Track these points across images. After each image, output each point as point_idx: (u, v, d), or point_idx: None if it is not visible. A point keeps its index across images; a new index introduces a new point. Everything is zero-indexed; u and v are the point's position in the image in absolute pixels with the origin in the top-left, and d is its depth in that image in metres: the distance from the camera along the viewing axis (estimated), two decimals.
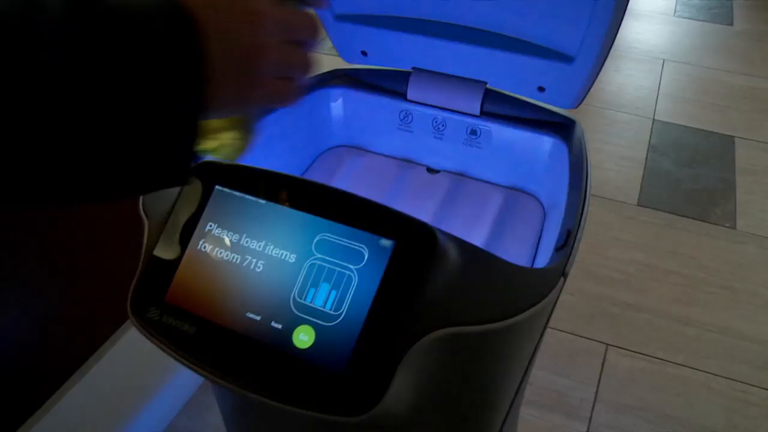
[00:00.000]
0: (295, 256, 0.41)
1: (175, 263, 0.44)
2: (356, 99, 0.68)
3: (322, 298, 0.40)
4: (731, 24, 2.62)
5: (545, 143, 0.61)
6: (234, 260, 0.43)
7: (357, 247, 0.40)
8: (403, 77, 0.65)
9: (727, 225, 1.57)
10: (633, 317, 1.32)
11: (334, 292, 0.40)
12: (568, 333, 1.29)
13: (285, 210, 0.43)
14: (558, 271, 0.42)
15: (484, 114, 0.63)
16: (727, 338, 1.29)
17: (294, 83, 0.37)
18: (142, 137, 0.30)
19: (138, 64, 0.28)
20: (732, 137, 1.91)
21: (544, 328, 0.48)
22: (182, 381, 1.11)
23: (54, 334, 0.83)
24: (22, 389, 0.81)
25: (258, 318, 0.41)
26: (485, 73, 0.63)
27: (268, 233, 0.43)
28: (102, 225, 0.87)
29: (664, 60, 2.33)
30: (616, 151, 1.83)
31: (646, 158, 1.80)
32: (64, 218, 0.80)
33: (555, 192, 0.58)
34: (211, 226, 0.44)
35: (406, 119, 0.67)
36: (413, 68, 0.65)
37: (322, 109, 0.69)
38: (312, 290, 0.41)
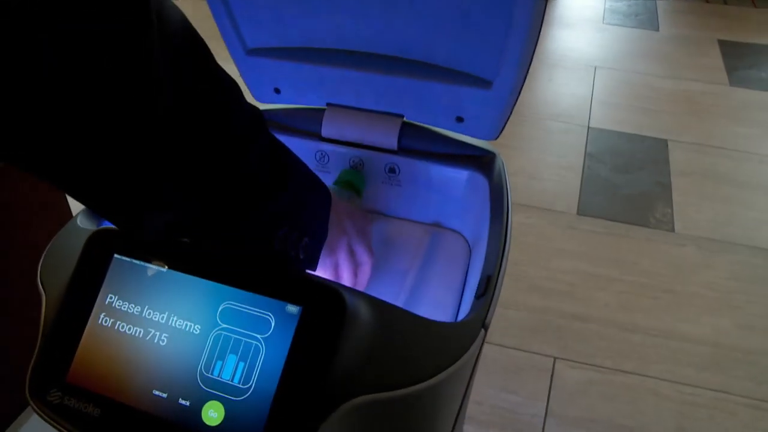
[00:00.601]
0: (199, 327, 0.39)
1: (75, 340, 0.41)
2: None
3: (229, 371, 0.38)
4: (657, 29, 2.69)
5: (465, 177, 0.60)
6: (137, 334, 0.40)
7: (263, 315, 0.38)
8: (318, 116, 0.63)
9: (666, 228, 1.60)
10: (579, 328, 1.33)
11: (242, 364, 0.38)
12: (514, 349, 1.29)
13: (187, 278, 0.40)
14: (478, 322, 0.41)
15: (402, 150, 0.61)
16: (672, 342, 1.31)
17: None
18: None
19: None
20: (665, 141, 1.96)
21: (471, 376, 0.47)
22: None
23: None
24: None
25: (165, 395, 0.39)
26: (402, 105, 0.61)
27: (170, 303, 0.40)
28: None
29: (595, 67, 2.38)
30: (553, 161, 1.85)
31: (584, 166, 1.83)
32: None
33: (478, 227, 0.57)
34: (111, 297, 0.42)
35: (322, 160, 0.65)
36: (327, 104, 0.64)
37: None
38: (219, 363, 0.38)
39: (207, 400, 0.38)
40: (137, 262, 0.42)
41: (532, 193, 1.71)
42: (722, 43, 2.58)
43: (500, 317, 1.35)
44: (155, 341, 0.40)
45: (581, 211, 1.65)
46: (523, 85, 0.54)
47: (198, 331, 0.39)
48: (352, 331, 0.37)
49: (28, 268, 0.84)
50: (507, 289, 1.42)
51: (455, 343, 0.39)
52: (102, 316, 0.41)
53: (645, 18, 2.80)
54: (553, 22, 2.75)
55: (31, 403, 0.41)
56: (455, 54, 0.55)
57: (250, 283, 0.39)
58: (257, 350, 0.38)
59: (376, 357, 0.37)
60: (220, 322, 0.39)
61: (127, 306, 0.41)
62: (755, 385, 1.22)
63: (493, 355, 1.27)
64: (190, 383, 0.39)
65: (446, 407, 0.44)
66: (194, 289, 0.40)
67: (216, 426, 0.37)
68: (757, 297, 1.41)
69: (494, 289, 0.44)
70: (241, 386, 0.38)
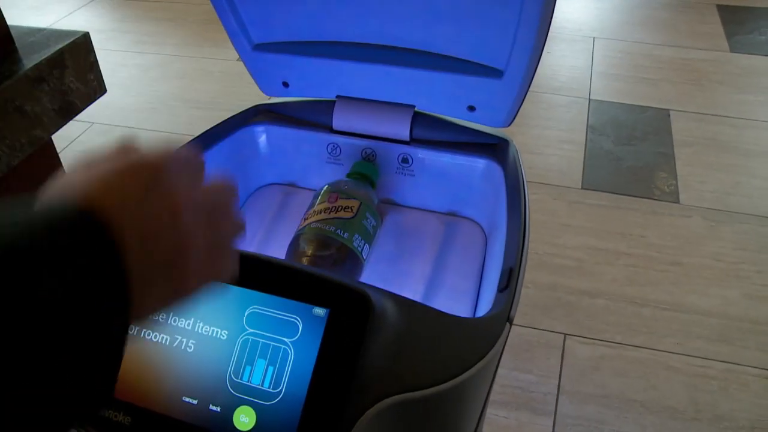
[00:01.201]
0: (226, 332, 0.39)
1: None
2: (281, 135, 0.65)
3: (259, 375, 0.38)
4: None
5: (479, 166, 0.59)
6: (164, 342, 0.40)
7: (290, 319, 0.38)
8: (328, 108, 0.63)
9: (671, 200, 1.60)
10: (589, 304, 1.33)
11: (271, 369, 0.38)
12: (525, 327, 1.29)
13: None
14: (503, 317, 0.41)
15: (415, 140, 0.61)
16: (682, 315, 1.31)
17: (228, 252, 0.33)
18: (62, 373, 0.26)
19: (50, 302, 0.25)
20: (667, 110, 1.95)
21: (495, 369, 0.47)
22: None
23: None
24: None
25: (195, 402, 0.39)
26: (413, 95, 0.61)
27: (196, 310, 0.40)
28: None
29: (594, 38, 2.36)
30: (556, 135, 1.84)
31: (586, 140, 1.82)
32: None
33: (494, 215, 0.57)
34: None
35: (334, 152, 0.65)
36: (337, 97, 0.63)
37: (248, 148, 0.66)
38: (248, 368, 0.38)
39: (238, 406, 0.38)
40: None
41: (535, 169, 1.70)
42: (721, 9, 2.55)
43: None
44: (183, 348, 0.40)
45: (586, 185, 1.65)
46: (534, 75, 0.54)
47: (225, 337, 0.39)
48: (380, 331, 0.37)
49: None
50: None
51: (482, 339, 0.39)
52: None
53: None
54: None
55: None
56: (466, 44, 0.54)
57: (276, 287, 0.39)
58: (286, 354, 0.38)
59: (404, 356, 0.37)
60: (247, 327, 0.39)
61: (159, 323, 0.41)
62: (766, 355, 1.23)
63: None
64: (220, 389, 0.39)
65: (474, 402, 0.44)
66: (219, 295, 0.40)
67: (248, 431, 0.38)
68: (766, 266, 1.41)
69: (516, 282, 0.43)
70: (271, 391, 0.38)
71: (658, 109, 1.95)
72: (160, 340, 0.40)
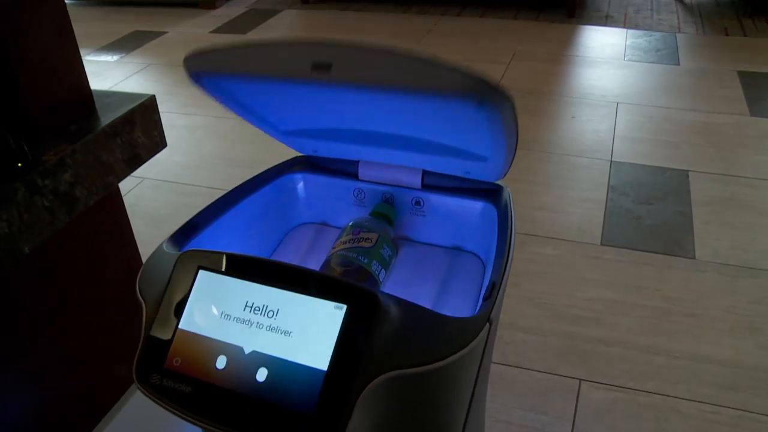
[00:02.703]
0: (266, 322, 0.50)
1: (170, 337, 0.53)
2: (315, 182, 0.77)
3: (293, 354, 0.49)
4: (678, 64, 2.78)
5: (478, 207, 0.71)
6: (216, 328, 0.51)
7: (316, 312, 0.49)
8: (354, 163, 0.75)
9: (687, 256, 1.67)
10: (604, 351, 1.40)
11: (301, 349, 0.49)
12: (542, 372, 1.36)
13: (256, 286, 0.51)
14: (483, 318, 0.51)
15: (425, 187, 0.73)
16: (694, 363, 1.37)
17: None
18: None
19: None
20: (686, 171, 2.03)
21: (480, 368, 0.56)
22: None
23: (69, 401, 0.90)
24: None
25: (241, 374, 0.50)
26: (421, 165, 0.73)
27: (244, 305, 0.51)
28: (102, 308, 0.95)
29: (617, 103, 2.47)
30: (577, 194, 1.93)
31: (607, 199, 1.91)
32: (67, 307, 0.88)
33: (490, 248, 0.67)
34: (196, 302, 0.53)
35: (359, 196, 0.76)
36: (359, 161, 0.76)
37: (287, 193, 0.78)
38: (284, 347, 0.49)
39: (273, 377, 0.49)
40: (217, 274, 0.53)
41: (557, 227, 1.79)
42: (742, 75, 2.65)
43: (528, 343, 1.43)
44: (231, 331, 0.51)
45: (605, 242, 1.73)
46: (515, 154, 0.64)
47: (265, 323, 0.50)
48: (385, 323, 0.48)
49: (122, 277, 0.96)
50: (534, 317, 1.50)
51: (465, 333, 0.50)
52: (190, 316, 0.53)
53: (666, 53, 2.89)
54: (575, 60, 2.86)
55: (138, 385, 0.53)
56: (455, 142, 0.66)
57: (307, 288, 0.50)
58: (315, 335, 0.49)
59: (402, 343, 0.48)
60: (282, 317, 0.50)
61: (208, 308, 0.52)
62: None
63: (522, 378, 1.35)
64: (262, 363, 0.49)
65: (459, 389, 0.54)
66: (262, 294, 0.51)
67: (281, 396, 0.48)
68: None
69: (498, 292, 0.54)
70: (303, 363, 0.49)
71: (678, 170, 2.04)
72: (214, 327, 0.52)
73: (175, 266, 0.55)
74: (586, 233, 1.76)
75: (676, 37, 3.08)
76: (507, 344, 1.43)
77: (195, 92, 2.72)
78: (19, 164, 0.73)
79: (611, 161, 2.10)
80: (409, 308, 0.50)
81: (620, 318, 1.49)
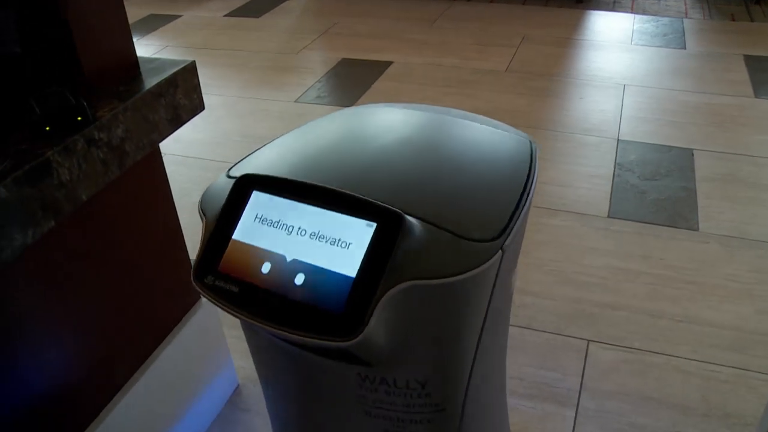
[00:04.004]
0: (305, 233, 0.59)
1: (224, 246, 0.62)
2: None
3: (327, 261, 0.58)
4: (684, 48, 2.84)
5: None
6: (263, 240, 0.60)
7: (351, 228, 0.58)
8: None
9: (691, 228, 1.73)
10: (610, 315, 1.47)
11: (337, 256, 0.57)
12: (552, 333, 1.43)
13: (301, 205, 0.60)
14: (497, 245, 0.58)
15: None
16: (696, 326, 1.44)
17: None
18: None
19: None
20: (691, 150, 2.09)
21: (492, 296, 0.63)
22: (211, 398, 1.24)
23: (99, 361, 0.97)
24: (72, 408, 0.95)
25: (284, 278, 0.59)
26: None
27: (290, 221, 0.60)
28: (140, 261, 1.02)
29: (624, 85, 2.53)
30: (585, 170, 2.00)
31: (614, 175, 1.97)
32: (98, 270, 0.95)
33: None
34: (249, 217, 0.62)
35: None
36: None
37: None
38: (321, 256, 0.58)
39: (311, 280, 0.57)
40: (267, 195, 0.62)
41: (565, 200, 1.86)
42: (748, 59, 2.70)
43: (538, 306, 1.50)
44: (276, 242, 0.60)
45: (612, 215, 1.79)
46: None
47: (305, 236, 0.58)
48: (408, 241, 0.56)
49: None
50: (543, 283, 1.57)
51: (478, 256, 0.57)
52: (242, 228, 0.62)
53: (672, 38, 2.94)
54: (583, 44, 2.91)
55: (195, 284, 0.62)
56: None
57: (342, 206, 0.58)
58: (347, 247, 0.57)
59: (422, 258, 0.56)
60: (321, 232, 0.58)
61: (258, 222, 0.61)
62: None
63: (532, 338, 1.42)
64: (301, 270, 0.58)
65: (470, 312, 0.61)
66: (303, 211, 0.60)
67: (314, 296, 0.56)
68: None
69: (514, 223, 0.61)
70: (335, 270, 0.57)
71: (683, 149, 2.10)
72: (261, 240, 0.60)
73: (233, 188, 0.64)
74: (593, 206, 1.83)
75: (683, 22, 3.13)
76: (518, 307, 1.50)
77: (214, 73, 2.78)
78: (79, 118, 0.79)
79: (618, 140, 2.16)
80: (431, 230, 0.57)
81: (626, 284, 1.55)
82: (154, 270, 1.06)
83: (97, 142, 0.81)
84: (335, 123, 0.77)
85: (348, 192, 0.59)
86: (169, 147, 2.20)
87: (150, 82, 0.92)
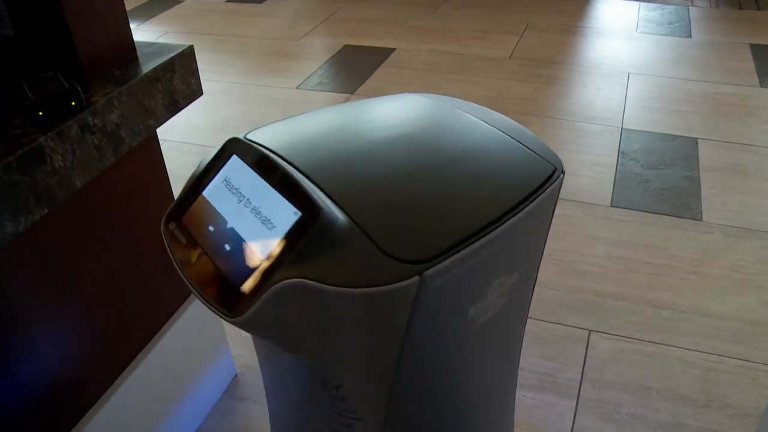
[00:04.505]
0: (250, 207, 0.60)
1: (192, 201, 0.65)
2: None
3: (252, 237, 0.59)
4: (690, 36, 2.81)
5: None
6: (222, 202, 0.63)
7: (282, 212, 0.58)
8: None
9: (695, 218, 1.72)
10: (612, 305, 1.46)
11: (260, 235, 0.59)
12: (553, 323, 1.42)
13: (261, 181, 0.61)
14: (415, 270, 0.54)
15: None
16: (698, 317, 1.42)
17: None
18: None
19: None
20: (695, 139, 2.07)
21: (410, 320, 0.59)
22: (208, 388, 1.24)
23: (97, 349, 0.97)
24: (70, 397, 0.94)
25: (218, 242, 0.61)
26: None
27: (245, 192, 0.62)
28: (139, 249, 1.01)
29: (629, 73, 2.50)
30: (588, 159, 1.98)
31: (617, 163, 1.95)
32: (96, 259, 0.94)
33: None
34: (220, 179, 0.64)
35: None
36: None
37: None
38: (247, 228, 0.60)
39: (235, 251, 0.59)
40: (241, 162, 0.63)
41: (568, 188, 1.84)
42: (755, 48, 2.68)
43: (539, 296, 1.49)
44: (227, 208, 0.62)
45: (615, 204, 1.78)
46: None
47: (248, 207, 0.60)
48: (324, 238, 0.55)
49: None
50: (545, 272, 1.55)
51: (384, 276, 0.54)
52: (210, 189, 0.65)
53: (678, 26, 2.91)
54: (588, 32, 2.88)
55: (162, 226, 0.66)
56: None
57: (286, 191, 0.58)
58: (271, 229, 0.57)
59: (326, 260, 0.55)
60: (263, 209, 0.59)
61: (224, 186, 0.64)
62: None
63: (533, 328, 1.41)
64: (231, 238, 0.60)
65: (374, 327, 0.58)
66: (260, 187, 0.61)
67: (231, 266, 0.58)
68: None
69: (449, 257, 0.58)
70: (252, 248, 0.58)
71: (687, 138, 2.08)
72: (221, 204, 0.63)
73: (220, 148, 0.66)
74: (596, 195, 1.81)
75: (688, 10, 3.10)
76: None
77: (215, 59, 2.76)
78: (73, 103, 0.78)
79: (622, 128, 2.14)
80: (356, 235, 0.55)
81: (628, 274, 1.54)
82: (151, 258, 1.05)
83: (92, 128, 0.80)
84: (361, 108, 0.75)
85: (293, 176, 0.58)
86: (168, 133, 2.19)
87: (147, 66, 0.91)
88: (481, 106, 0.79)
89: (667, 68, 2.53)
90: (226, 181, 0.63)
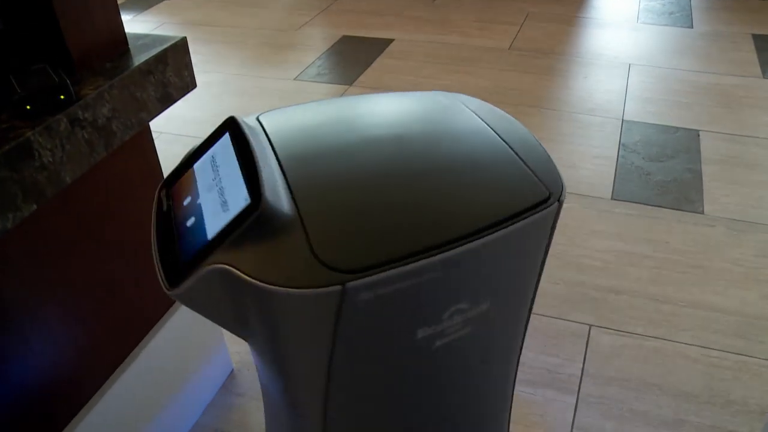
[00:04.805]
0: (218, 186, 0.61)
1: (185, 171, 0.66)
2: None
3: (205, 214, 0.60)
4: (691, 26, 2.78)
5: None
6: (203, 177, 0.63)
7: (238, 196, 0.57)
8: None
9: (696, 211, 1.70)
10: (613, 299, 1.44)
11: (212, 215, 0.59)
12: (553, 317, 1.40)
13: (235, 164, 0.61)
14: (342, 279, 0.52)
15: None
16: (700, 312, 1.41)
17: None
18: None
19: None
20: (697, 131, 2.05)
21: (336, 326, 0.57)
22: (205, 384, 1.22)
23: (90, 346, 0.95)
24: (64, 394, 0.93)
25: (185, 216, 0.61)
26: None
27: (220, 171, 0.62)
28: (132, 244, 0.99)
29: (630, 64, 2.48)
30: (588, 151, 1.96)
31: (618, 156, 1.93)
32: (85, 259, 0.92)
33: None
34: (209, 154, 0.65)
35: None
36: None
37: None
38: (209, 210, 0.60)
39: (194, 227, 0.59)
40: (230, 142, 0.64)
41: (568, 181, 1.82)
42: (756, 38, 2.65)
43: (539, 290, 1.47)
44: (204, 183, 0.62)
45: (615, 197, 1.76)
46: None
47: (218, 186, 0.61)
48: (264, 228, 0.54)
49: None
50: (545, 266, 1.54)
51: (305, 279, 0.52)
52: (200, 164, 0.65)
53: (679, 16, 2.89)
54: (588, 22, 2.86)
55: (157, 193, 0.67)
56: None
57: (249, 172, 0.58)
58: (226, 210, 0.57)
59: (257, 248, 0.54)
60: (228, 191, 0.59)
61: (210, 161, 0.65)
62: None
63: (533, 323, 1.40)
64: (195, 213, 0.61)
65: (302, 329, 0.57)
66: (230, 166, 0.61)
67: (186, 242, 0.59)
68: None
69: (385, 271, 0.56)
70: (205, 227, 0.58)
71: (689, 130, 2.06)
72: (202, 178, 0.64)
73: (219, 126, 0.67)
74: (596, 188, 1.79)
75: (690, 0, 3.07)
76: None
77: (212, 50, 2.74)
78: (62, 96, 0.76)
79: (623, 120, 2.12)
80: (295, 232, 0.54)
81: (629, 268, 1.52)
82: (145, 254, 1.03)
83: (82, 122, 0.78)
84: (379, 102, 0.74)
85: (258, 163, 0.58)
86: (164, 125, 2.16)
87: (139, 58, 0.89)
88: (504, 114, 0.73)
89: (668, 59, 2.51)
90: (213, 158, 0.64)
